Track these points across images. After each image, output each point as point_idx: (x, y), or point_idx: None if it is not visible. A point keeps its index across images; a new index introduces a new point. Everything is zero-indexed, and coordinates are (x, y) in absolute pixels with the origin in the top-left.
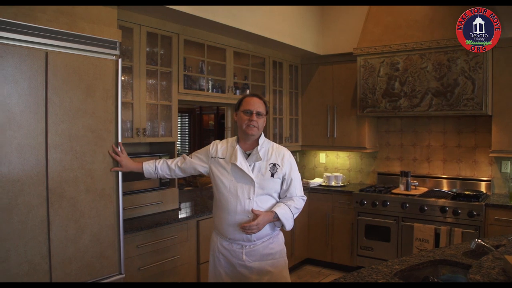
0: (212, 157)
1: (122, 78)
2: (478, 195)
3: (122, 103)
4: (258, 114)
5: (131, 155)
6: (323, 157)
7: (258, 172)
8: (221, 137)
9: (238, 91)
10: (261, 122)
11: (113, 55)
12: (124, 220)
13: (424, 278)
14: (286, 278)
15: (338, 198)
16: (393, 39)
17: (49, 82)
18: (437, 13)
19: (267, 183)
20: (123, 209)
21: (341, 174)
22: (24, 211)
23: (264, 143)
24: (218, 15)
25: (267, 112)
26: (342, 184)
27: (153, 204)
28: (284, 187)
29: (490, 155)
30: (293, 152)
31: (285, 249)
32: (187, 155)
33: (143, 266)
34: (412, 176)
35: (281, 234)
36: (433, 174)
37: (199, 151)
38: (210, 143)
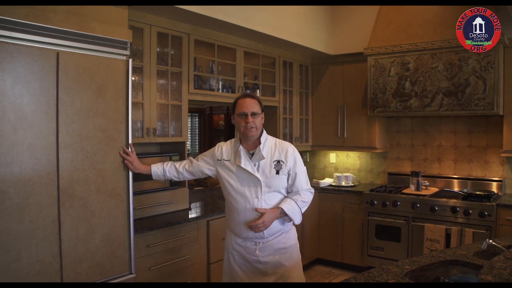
0: (217, 160)
1: (133, 78)
2: (489, 195)
3: (133, 103)
4: (253, 114)
5: (142, 155)
6: (333, 157)
7: (263, 170)
8: (231, 136)
9: (248, 91)
10: (258, 121)
11: (123, 55)
12: (135, 220)
13: (435, 279)
14: (299, 272)
15: (348, 198)
16: (403, 39)
17: (60, 82)
18: (448, 13)
19: (273, 181)
20: (134, 209)
21: (351, 174)
22: (35, 211)
23: (267, 140)
24: (229, 15)
25: (262, 110)
26: (353, 184)
27: (163, 204)
28: (290, 181)
29: (502, 155)
30: (303, 152)
31: (298, 244)
32: (194, 158)
33: (154, 265)
34: (422, 176)
35: (294, 229)
36: (444, 174)
37: (205, 153)
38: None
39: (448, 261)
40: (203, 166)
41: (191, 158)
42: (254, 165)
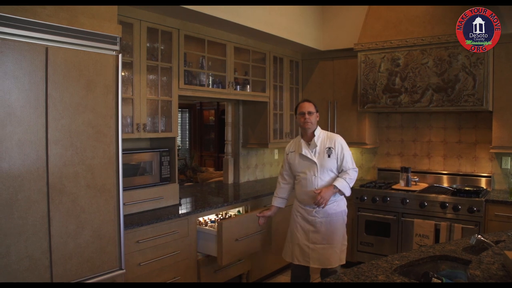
0: (286, 154)
1: (123, 74)
2: (478, 191)
3: (123, 99)
4: (310, 113)
5: (132, 150)
6: None
7: (318, 155)
8: (222, 132)
9: (238, 86)
10: (313, 118)
11: (113, 50)
12: (125, 216)
13: (424, 274)
14: (341, 230)
15: None
16: (394, 35)
17: (49, 78)
18: (438, 9)
19: (326, 163)
20: (124, 204)
21: None
22: (25, 207)
23: (320, 134)
24: (219, 11)
25: (317, 110)
26: None
27: (153, 199)
28: (339, 163)
29: (491, 151)
30: None
31: (347, 210)
32: (281, 173)
33: (144, 261)
34: (412, 171)
35: (344, 200)
36: (434, 170)
37: (284, 158)
38: (210, 138)
39: (437, 256)
40: (287, 166)
41: (280, 172)
42: (312, 151)
